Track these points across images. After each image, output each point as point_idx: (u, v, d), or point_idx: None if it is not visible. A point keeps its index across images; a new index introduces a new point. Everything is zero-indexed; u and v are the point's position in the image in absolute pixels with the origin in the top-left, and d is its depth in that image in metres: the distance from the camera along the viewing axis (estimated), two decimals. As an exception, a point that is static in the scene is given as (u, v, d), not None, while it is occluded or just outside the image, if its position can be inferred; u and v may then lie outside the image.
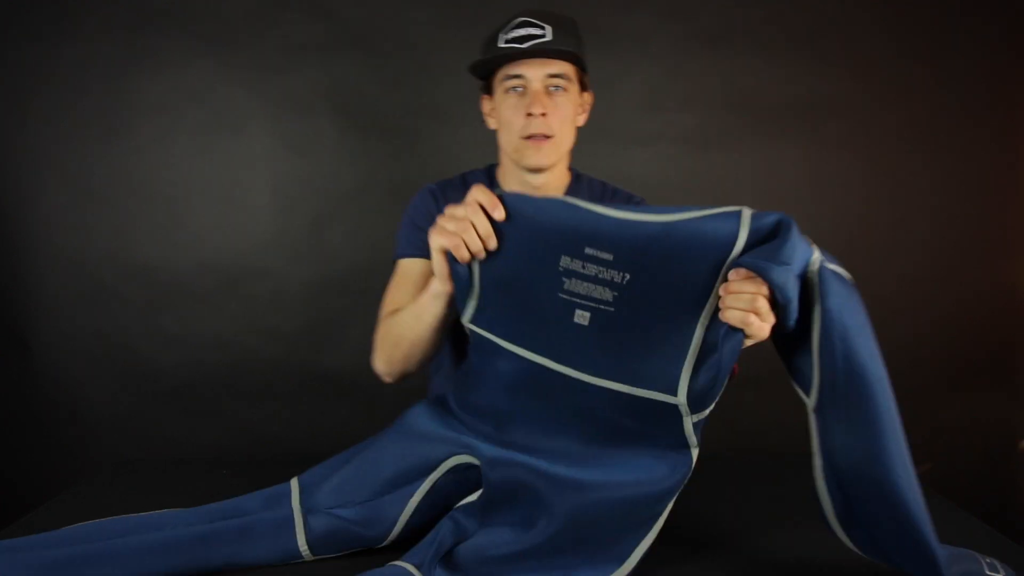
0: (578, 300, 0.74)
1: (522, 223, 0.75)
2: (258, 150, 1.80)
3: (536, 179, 1.07)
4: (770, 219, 0.67)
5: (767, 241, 0.66)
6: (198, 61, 1.75)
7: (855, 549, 0.73)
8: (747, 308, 0.64)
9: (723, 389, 0.70)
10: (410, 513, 0.81)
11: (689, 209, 0.70)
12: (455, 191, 1.08)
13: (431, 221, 0.89)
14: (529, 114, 1.00)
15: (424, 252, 0.99)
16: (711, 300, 0.69)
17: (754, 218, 0.67)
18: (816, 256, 0.67)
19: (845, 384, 0.67)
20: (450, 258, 0.78)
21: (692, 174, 1.83)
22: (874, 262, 1.72)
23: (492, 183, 1.13)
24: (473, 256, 0.76)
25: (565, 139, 1.07)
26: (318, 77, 1.76)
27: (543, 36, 0.98)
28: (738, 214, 0.68)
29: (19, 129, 1.75)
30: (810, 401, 0.71)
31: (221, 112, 1.77)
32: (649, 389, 0.72)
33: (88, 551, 0.76)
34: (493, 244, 0.76)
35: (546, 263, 0.75)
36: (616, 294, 0.73)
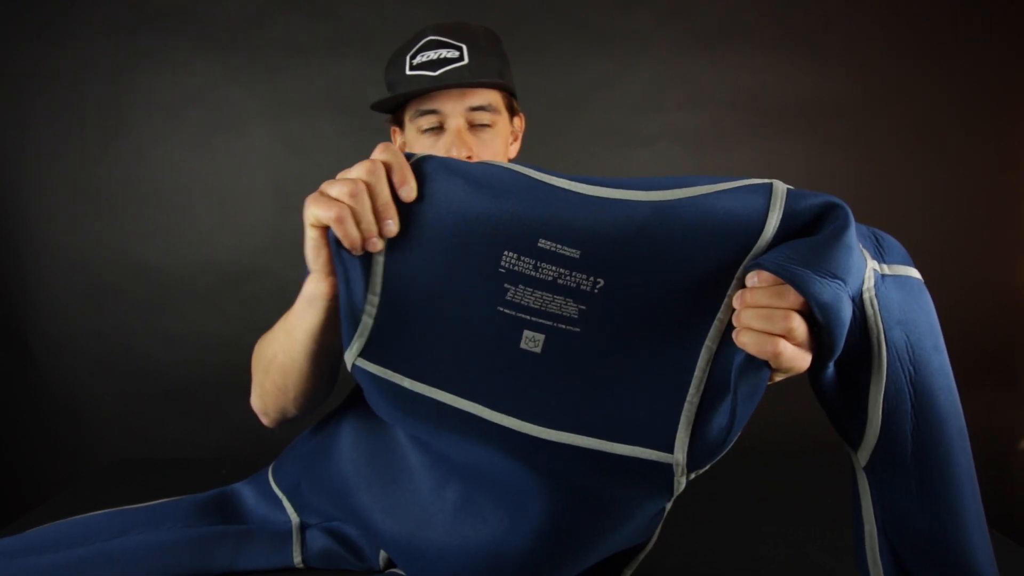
0: (527, 317, 0.52)
1: (444, 200, 0.52)
2: (258, 150, 1.79)
3: None
4: (815, 200, 0.46)
5: (806, 233, 0.46)
6: (198, 61, 1.75)
7: None
8: (773, 330, 0.44)
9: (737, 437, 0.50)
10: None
11: (696, 182, 0.50)
12: None
13: None
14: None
15: None
16: (721, 315, 0.48)
17: (791, 196, 0.47)
18: (871, 268, 0.48)
19: (915, 442, 0.49)
20: (332, 242, 0.53)
21: (692, 174, 1.83)
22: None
23: None
24: (365, 241, 0.52)
25: None
26: (318, 77, 1.76)
27: (459, 60, 0.79)
28: (767, 188, 0.48)
29: (19, 129, 1.75)
30: (859, 459, 0.52)
31: (221, 112, 1.77)
32: (632, 444, 0.50)
33: (81, 556, 0.74)
34: (392, 229, 0.52)
35: (479, 261, 0.51)
36: (584, 308, 0.51)
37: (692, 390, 0.49)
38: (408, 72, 0.81)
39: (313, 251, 0.54)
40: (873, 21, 1.79)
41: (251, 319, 1.81)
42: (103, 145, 1.76)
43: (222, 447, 1.81)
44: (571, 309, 0.51)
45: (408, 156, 0.53)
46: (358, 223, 0.51)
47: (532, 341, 0.52)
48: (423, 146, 0.84)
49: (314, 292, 0.58)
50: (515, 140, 0.96)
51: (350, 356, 0.54)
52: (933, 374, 0.49)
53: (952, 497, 0.50)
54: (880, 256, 0.50)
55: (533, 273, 0.51)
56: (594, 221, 0.49)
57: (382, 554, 0.76)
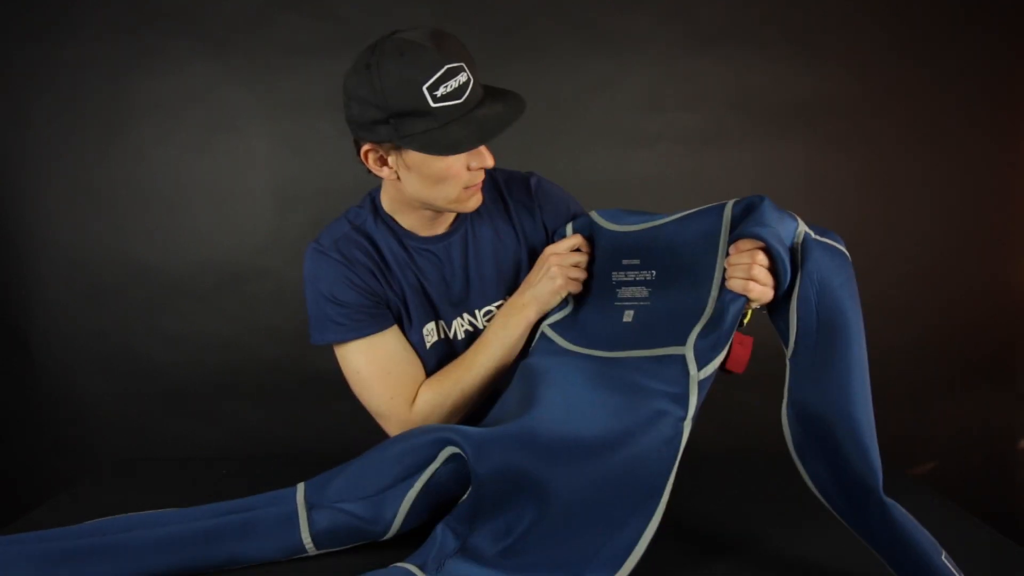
0: (627, 303, 0.90)
1: (594, 250, 0.96)
2: (258, 150, 1.79)
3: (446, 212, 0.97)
4: (747, 200, 0.81)
5: (749, 216, 0.80)
6: (198, 61, 1.75)
7: (812, 487, 0.76)
8: (745, 276, 0.74)
9: (725, 352, 0.77)
10: (409, 505, 0.82)
11: (679, 212, 0.89)
12: (352, 244, 0.96)
13: (355, 289, 0.92)
14: (482, 168, 0.90)
15: (380, 323, 0.94)
16: (716, 274, 0.81)
17: (735, 204, 0.83)
18: (802, 229, 0.78)
19: (817, 330, 0.74)
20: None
21: (692, 174, 1.83)
22: (874, 262, 1.72)
23: (391, 226, 0.99)
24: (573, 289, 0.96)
25: None
26: (318, 77, 1.76)
27: (468, 80, 0.84)
28: (723, 204, 0.84)
29: (19, 129, 1.75)
30: (788, 351, 0.77)
31: (221, 112, 1.77)
32: (665, 347, 0.81)
33: (91, 545, 0.77)
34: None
35: (605, 280, 0.94)
36: (650, 290, 0.89)
37: (704, 316, 0.80)
38: (435, 105, 0.82)
39: (555, 296, 0.96)
40: (873, 21, 1.79)
41: (251, 319, 1.82)
42: (103, 145, 1.76)
43: (222, 447, 1.81)
44: (644, 292, 0.89)
45: (586, 236, 0.98)
46: (576, 282, 0.95)
47: (628, 316, 0.89)
48: (445, 164, 0.87)
49: (544, 307, 0.97)
50: None
51: (547, 320, 0.97)
52: (837, 287, 0.76)
53: (841, 367, 0.74)
54: (821, 234, 0.79)
55: (626, 278, 0.91)
56: (642, 239, 0.91)
57: (397, 518, 0.81)
